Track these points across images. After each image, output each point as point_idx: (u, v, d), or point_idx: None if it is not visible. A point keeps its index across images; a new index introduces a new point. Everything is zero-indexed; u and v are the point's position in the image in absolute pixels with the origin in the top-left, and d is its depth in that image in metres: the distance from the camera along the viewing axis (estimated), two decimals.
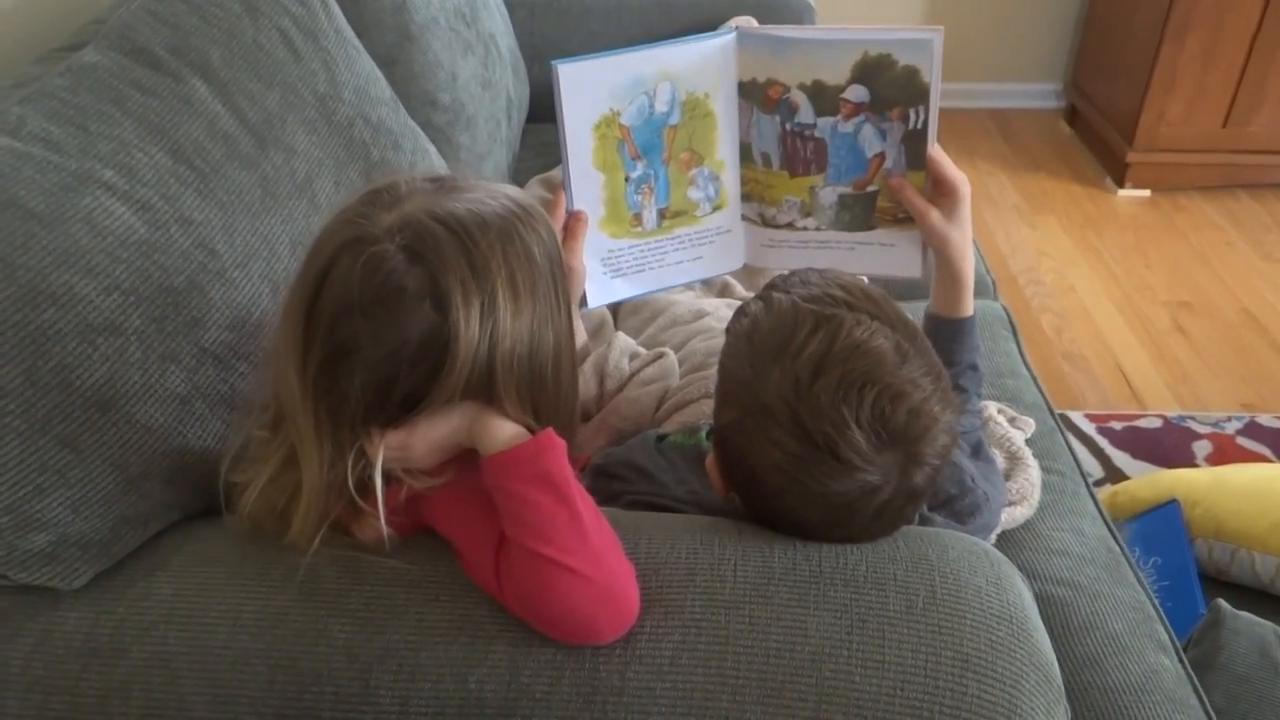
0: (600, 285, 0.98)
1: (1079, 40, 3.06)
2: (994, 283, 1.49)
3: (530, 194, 1.59)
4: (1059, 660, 0.87)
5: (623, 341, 1.08)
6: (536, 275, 0.66)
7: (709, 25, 1.89)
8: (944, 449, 0.71)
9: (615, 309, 1.27)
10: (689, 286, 1.28)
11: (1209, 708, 0.87)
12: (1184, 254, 2.51)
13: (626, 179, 0.94)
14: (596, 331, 1.17)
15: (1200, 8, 2.47)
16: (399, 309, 0.63)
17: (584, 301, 0.99)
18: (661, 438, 0.96)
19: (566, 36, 1.86)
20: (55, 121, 0.78)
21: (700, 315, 1.20)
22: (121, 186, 0.77)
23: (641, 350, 1.08)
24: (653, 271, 1.00)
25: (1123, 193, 2.75)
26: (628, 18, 1.88)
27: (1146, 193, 2.75)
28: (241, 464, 0.74)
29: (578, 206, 0.94)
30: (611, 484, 0.90)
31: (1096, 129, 2.90)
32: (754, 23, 1.86)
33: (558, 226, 0.94)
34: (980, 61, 3.17)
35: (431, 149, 1.27)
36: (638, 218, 0.96)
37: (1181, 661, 0.91)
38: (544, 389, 0.68)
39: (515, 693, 0.64)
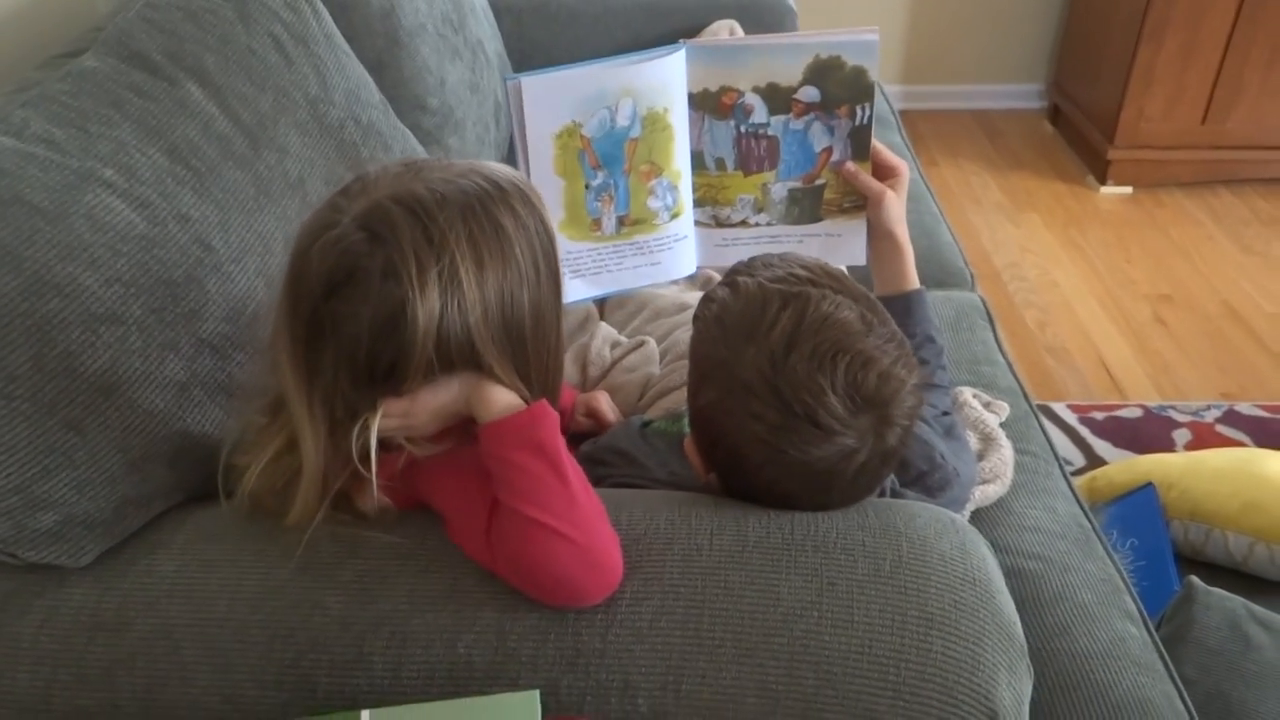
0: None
1: (1060, 41, 3.11)
2: (972, 276, 1.53)
3: None
4: (1030, 629, 0.91)
5: (605, 331, 1.11)
6: (505, 244, 0.69)
7: (693, 29, 1.93)
8: (911, 409, 0.75)
9: (601, 304, 1.30)
10: (674, 281, 1.31)
11: (1174, 672, 0.91)
12: (1165, 248, 2.55)
13: (586, 186, 0.99)
14: (581, 324, 1.21)
15: (1177, 7, 2.52)
16: (360, 286, 0.66)
17: None
18: (646, 424, 0.99)
19: (553, 42, 1.90)
20: (57, 123, 0.81)
21: (684, 308, 1.24)
22: (121, 184, 0.81)
23: (623, 339, 1.12)
24: (610, 274, 1.04)
25: (1105, 190, 2.80)
26: (613, 23, 1.92)
27: (1128, 189, 2.80)
28: (242, 449, 0.77)
29: None
30: (596, 469, 0.93)
31: (1078, 128, 2.95)
32: (737, 26, 1.89)
33: None
34: (963, 64, 3.22)
35: (421, 151, 1.31)
36: (597, 223, 1.01)
37: (1148, 629, 0.94)
38: (523, 351, 0.72)
39: (502, 656, 0.68)
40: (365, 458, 0.69)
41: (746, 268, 0.80)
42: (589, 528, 0.68)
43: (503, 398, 0.71)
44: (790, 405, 0.71)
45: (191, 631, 0.70)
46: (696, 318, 0.81)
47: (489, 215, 0.69)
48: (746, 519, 0.73)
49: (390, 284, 0.66)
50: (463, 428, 0.74)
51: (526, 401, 0.71)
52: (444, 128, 1.46)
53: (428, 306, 0.66)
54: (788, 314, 0.72)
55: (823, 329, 0.72)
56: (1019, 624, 0.71)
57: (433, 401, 0.71)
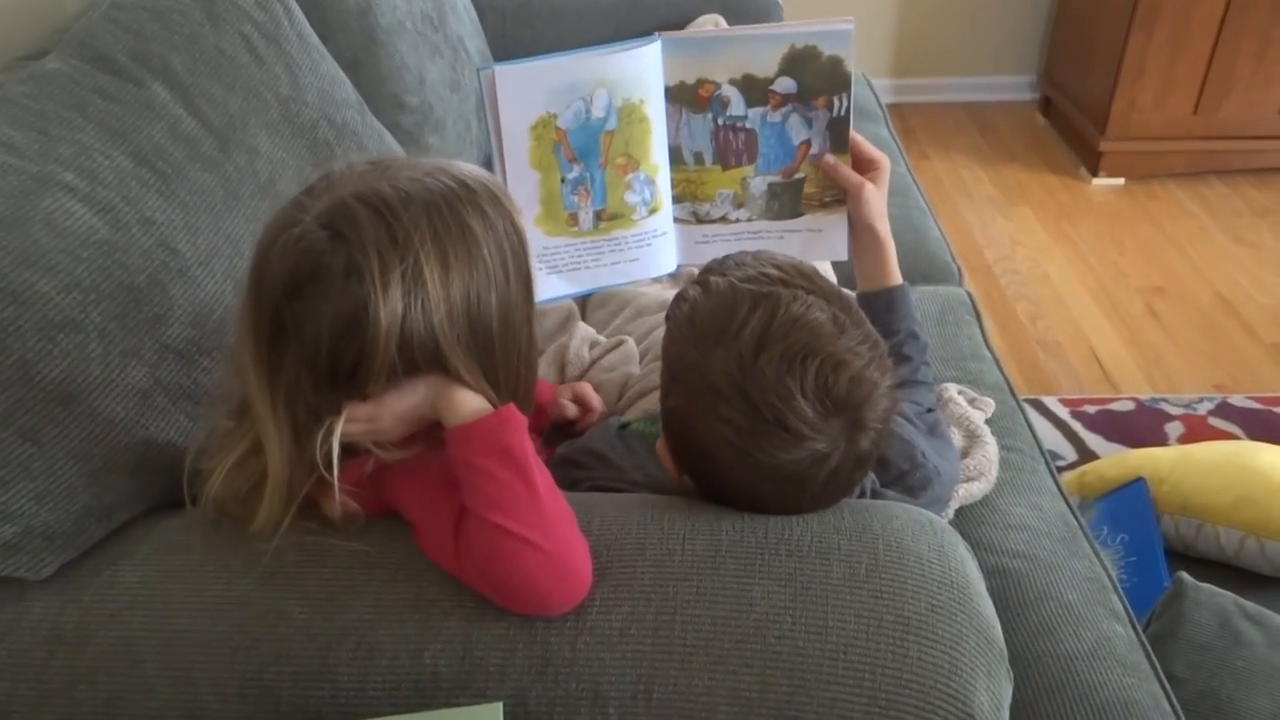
0: (536, 281, 1.01)
1: (1051, 32, 3.09)
2: (959, 270, 1.51)
3: None
4: (1014, 630, 0.90)
5: (583, 330, 1.10)
6: (472, 244, 0.68)
7: (678, 25, 1.91)
8: (885, 413, 0.73)
9: (583, 302, 1.29)
10: (656, 279, 1.30)
11: (1160, 672, 0.89)
12: (1157, 240, 2.54)
13: (562, 180, 0.97)
14: (562, 324, 1.19)
15: None
16: (322, 285, 0.65)
17: None
18: (624, 425, 0.98)
19: (537, 38, 1.88)
20: (16, 127, 0.80)
21: (666, 306, 1.22)
22: (82, 188, 0.79)
23: (601, 339, 1.11)
24: (588, 270, 1.02)
25: (1097, 181, 2.78)
26: (597, 19, 1.90)
27: (1120, 181, 2.78)
28: (207, 454, 0.76)
29: None
30: (573, 471, 0.92)
31: (1070, 119, 2.93)
32: (721, 21, 1.88)
33: None
34: (955, 56, 3.20)
35: (399, 150, 1.29)
36: (574, 218, 1.00)
37: (1135, 629, 0.93)
38: (490, 353, 0.70)
39: (469, 666, 0.66)
40: (329, 462, 0.68)
41: (720, 266, 0.79)
42: (557, 535, 0.67)
43: (469, 402, 0.70)
44: (759, 409, 0.70)
45: (153, 644, 0.69)
46: (668, 317, 0.80)
47: (455, 215, 0.68)
48: (719, 523, 0.72)
49: (352, 283, 0.65)
50: (431, 433, 0.72)
51: (494, 405, 0.70)
52: (423, 126, 1.44)
53: (390, 306, 0.65)
54: (758, 315, 0.71)
55: (792, 331, 0.70)
56: (999, 627, 0.70)
57: (398, 405, 0.70)
